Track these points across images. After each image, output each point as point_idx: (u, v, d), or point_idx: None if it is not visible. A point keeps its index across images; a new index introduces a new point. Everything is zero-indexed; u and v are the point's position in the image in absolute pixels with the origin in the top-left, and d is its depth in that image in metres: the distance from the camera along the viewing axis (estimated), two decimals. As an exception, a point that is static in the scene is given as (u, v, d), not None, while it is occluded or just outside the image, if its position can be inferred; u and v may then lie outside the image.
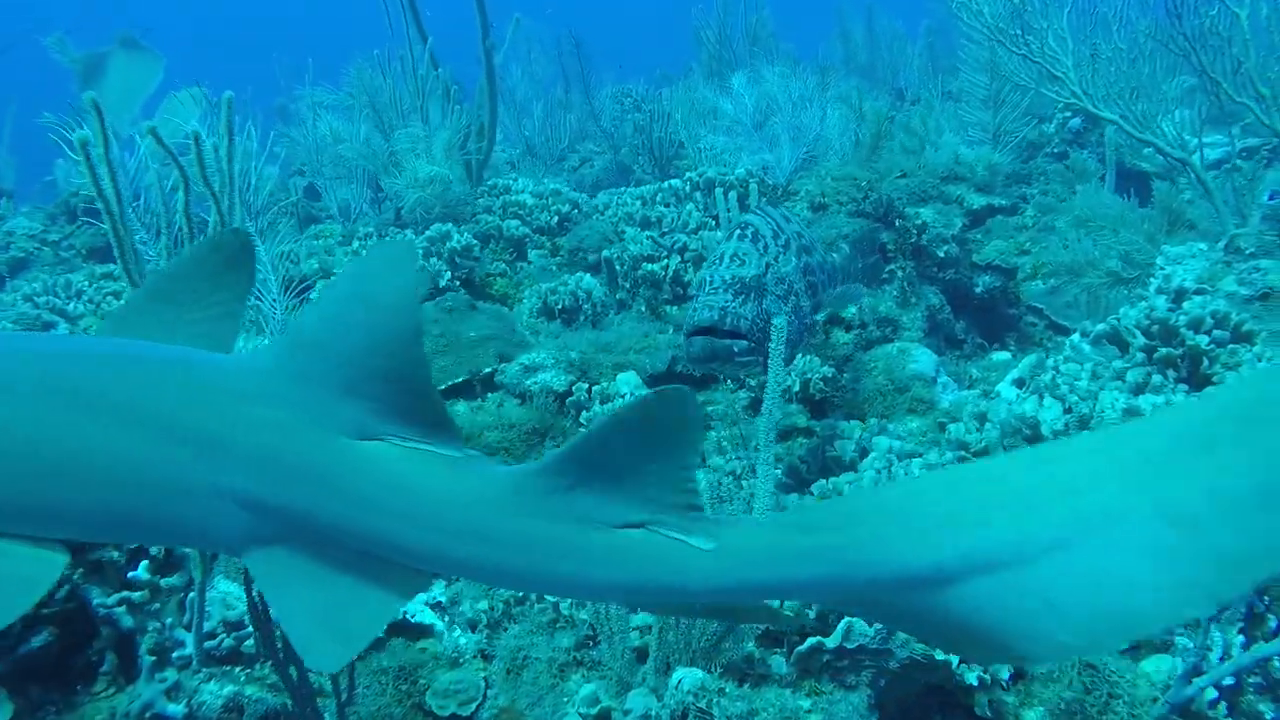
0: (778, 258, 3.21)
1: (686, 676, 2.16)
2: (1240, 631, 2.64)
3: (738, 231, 3.26)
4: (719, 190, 4.77)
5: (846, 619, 2.42)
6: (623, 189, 7.18)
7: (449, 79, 7.74)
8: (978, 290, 5.33)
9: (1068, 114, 8.43)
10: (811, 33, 15.40)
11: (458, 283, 5.39)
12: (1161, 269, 3.93)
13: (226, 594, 3.16)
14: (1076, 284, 5.58)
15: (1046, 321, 6.01)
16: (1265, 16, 3.81)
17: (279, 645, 2.28)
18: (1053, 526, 1.11)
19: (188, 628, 2.96)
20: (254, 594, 2.36)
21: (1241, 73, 3.88)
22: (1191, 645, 2.64)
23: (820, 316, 3.49)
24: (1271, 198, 3.86)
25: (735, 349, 2.90)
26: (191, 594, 2.95)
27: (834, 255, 3.98)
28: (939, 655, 2.42)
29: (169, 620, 3.00)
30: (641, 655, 2.52)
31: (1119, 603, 1.08)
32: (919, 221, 5.04)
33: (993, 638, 1.14)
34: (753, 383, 4.48)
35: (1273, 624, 2.64)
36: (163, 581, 3.05)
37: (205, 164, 3.62)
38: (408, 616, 3.19)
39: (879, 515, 1.22)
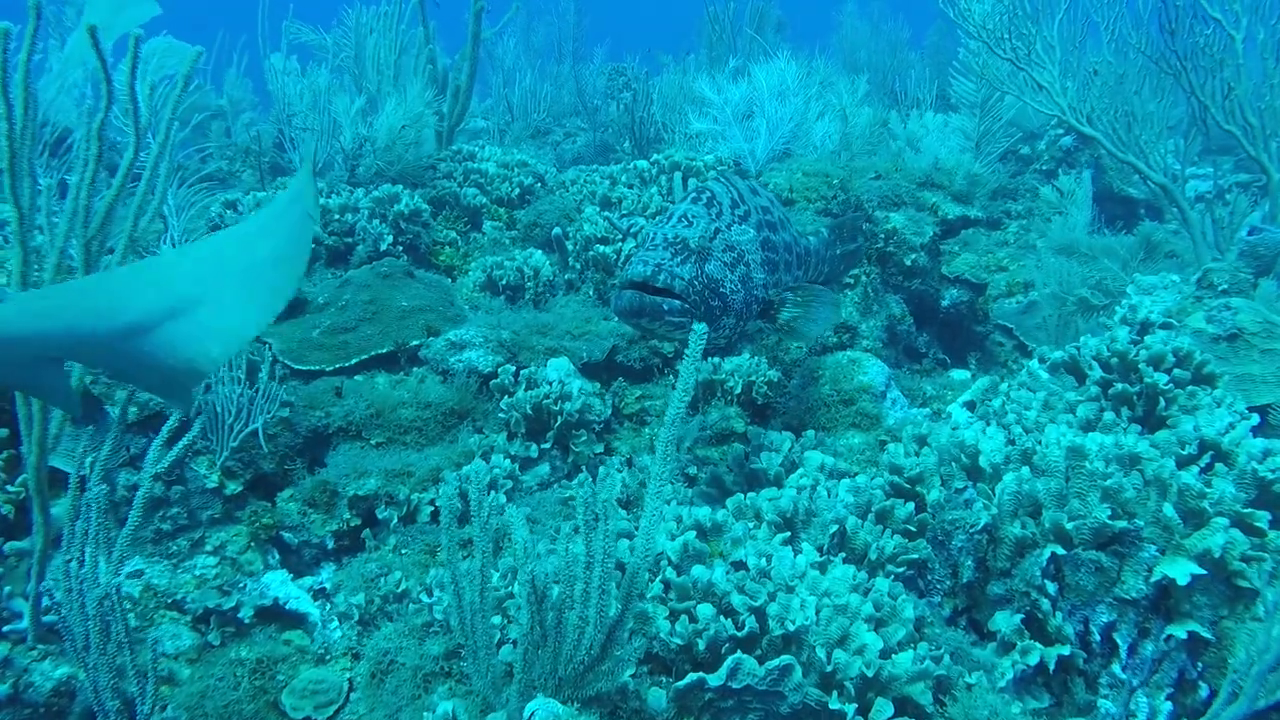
0: (730, 226, 2.97)
1: (540, 709, 1.92)
2: (1168, 699, 2.43)
3: (693, 195, 3.02)
4: (678, 175, 4.50)
5: (736, 654, 2.19)
6: (594, 166, 6.89)
7: (432, 36, 7.42)
8: (944, 303, 5.10)
9: (1059, 131, 8.23)
10: (818, 27, 15.13)
11: (400, 248, 5.10)
12: (1129, 298, 3.71)
13: (82, 563, 2.89)
14: (1047, 306, 5.38)
15: (1015, 342, 5.81)
16: (1261, 42, 3.58)
17: (84, 633, 2.02)
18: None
19: (29, 598, 2.69)
20: (67, 567, 2.09)
21: (1231, 99, 3.65)
22: (1116, 711, 2.43)
23: (785, 316, 3.22)
24: (1252, 233, 3.65)
25: (666, 306, 2.66)
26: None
27: (810, 239, 3.70)
28: (834, 704, 2.19)
29: (8, 589, 2.73)
30: (510, 673, 2.27)
31: None
32: (888, 226, 4.80)
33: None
34: (700, 371, 4.23)
35: (1204, 693, 2.43)
36: (7, 546, 2.78)
37: (136, 92, 3.31)
38: (279, 603, 2.94)
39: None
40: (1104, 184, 7.98)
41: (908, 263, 4.77)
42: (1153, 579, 2.41)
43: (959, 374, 4.76)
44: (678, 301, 2.68)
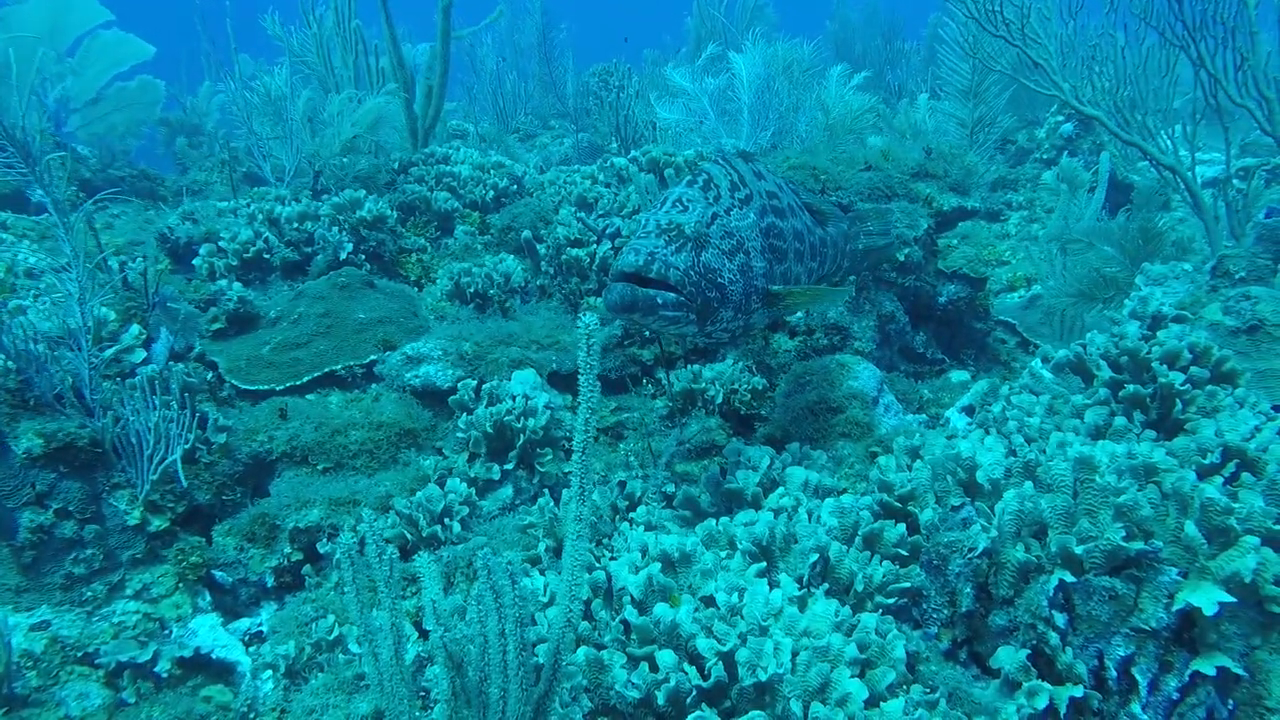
0: (729, 211, 2.72)
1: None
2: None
3: (689, 178, 2.75)
4: (636, 171, 4.21)
5: (699, 711, 1.90)
6: (575, 166, 6.61)
7: (397, 34, 7.13)
8: (941, 300, 4.80)
9: (1060, 118, 7.93)
10: (813, 20, 14.92)
11: (363, 257, 4.82)
12: (1139, 289, 3.41)
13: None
14: (1052, 300, 5.08)
15: (1018, 339, 5.51)
16: (1277, 6, 3.28)
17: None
18: None
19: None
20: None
21: (1245, 70, 3.35)
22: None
23: (790, 308, 2.95)
24: (1269, 215, 3.35)
25: (660, 300, 2.43)
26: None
27: (828, 229, 3.41)
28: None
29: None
30: (444, 738, 1.98)
31: None
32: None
33: None
34: (671, 382, 3.95)
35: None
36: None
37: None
38: (203, 652, 2.66)
39: None
40: (1109, 170, 7.66)
41: (900, 258, 4.47)
42: (1175, 607, 2.11)
43: (958, 375, 4.46)
44: (672, 294, 2.44)
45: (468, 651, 1.73)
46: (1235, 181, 5.67)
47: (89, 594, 2.71)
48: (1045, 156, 8.13)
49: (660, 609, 2.25)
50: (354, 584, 1.79)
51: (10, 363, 2.80)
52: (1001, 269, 6.37)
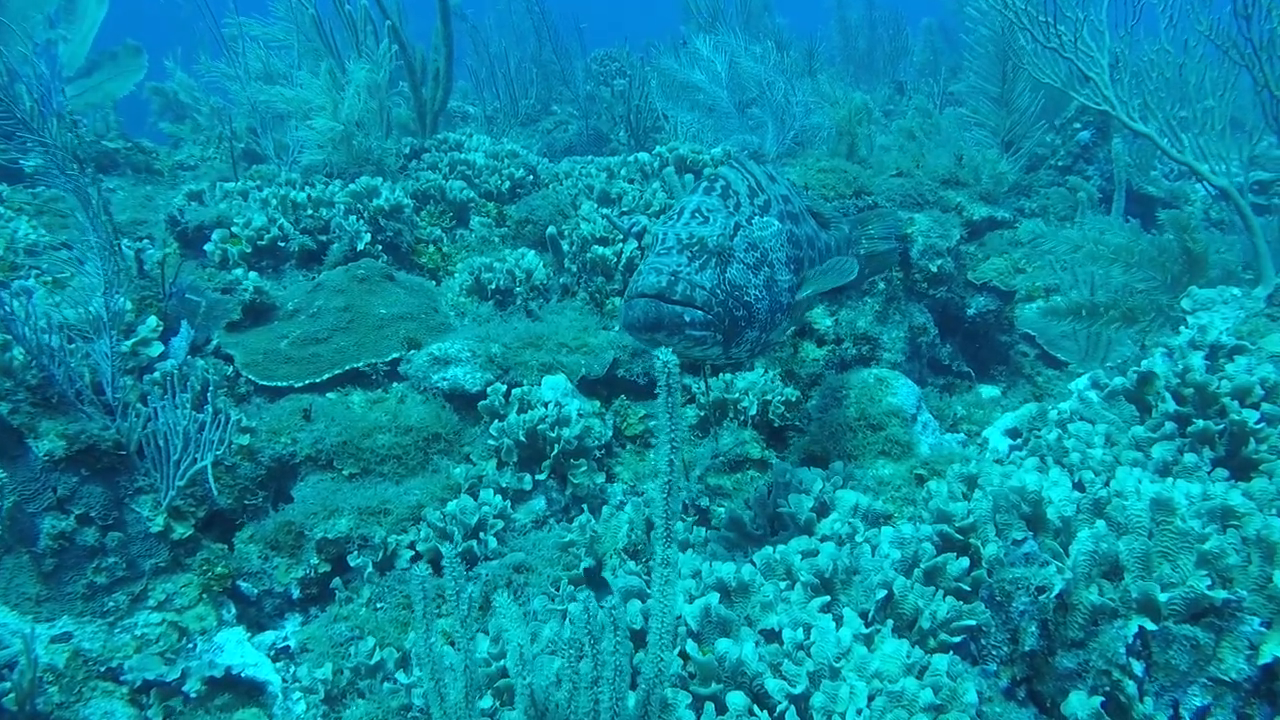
0: (751, 220, 2.55)
1: None
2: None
3: (705, 185, 2.57)
4: (656, 164, 4.08)
5: None
6: (589, 158, 6.47)
7: (399, 18, 6.90)
8: (970, 312, 4.73)
9: (1076, 125, 7.87)
10: (807, 14, 14.77)
11: (380, 247, 4.67)
12: (1189, 314, 3.35)
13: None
14: (1077, 314, 5.02)
15: (1038, 351, 5.45)
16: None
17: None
18: None
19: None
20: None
21: (1309, 93, 3.29)
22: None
23: (803, 294, 2.75)
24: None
25: (688, 318, 2.26)
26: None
27: (829, 235, 3.22)
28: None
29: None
30: (505, 780, 1.89)
31: None
32: (911, 229, 4.42)
33: None
34: (709, 389, 3.85)
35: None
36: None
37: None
38: (233, 671, 2.53)
39: None
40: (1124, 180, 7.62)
41: (933, 268, 4.39)
42: (1260, 660, 2.05)
43: (988, 390, 4.40)
44: (700, 312, 2.27)
45: (551, 698, 1.64)
46: (1249, 195, 5.62)
47: (111, 604, 2.58)
48: (1060, 163, 8.08)
49: (723, 644, 2.16)
50: (425, 619, 1.67)
51: (27, 356, 2.65)
52: (1019, 277, 6.32)
